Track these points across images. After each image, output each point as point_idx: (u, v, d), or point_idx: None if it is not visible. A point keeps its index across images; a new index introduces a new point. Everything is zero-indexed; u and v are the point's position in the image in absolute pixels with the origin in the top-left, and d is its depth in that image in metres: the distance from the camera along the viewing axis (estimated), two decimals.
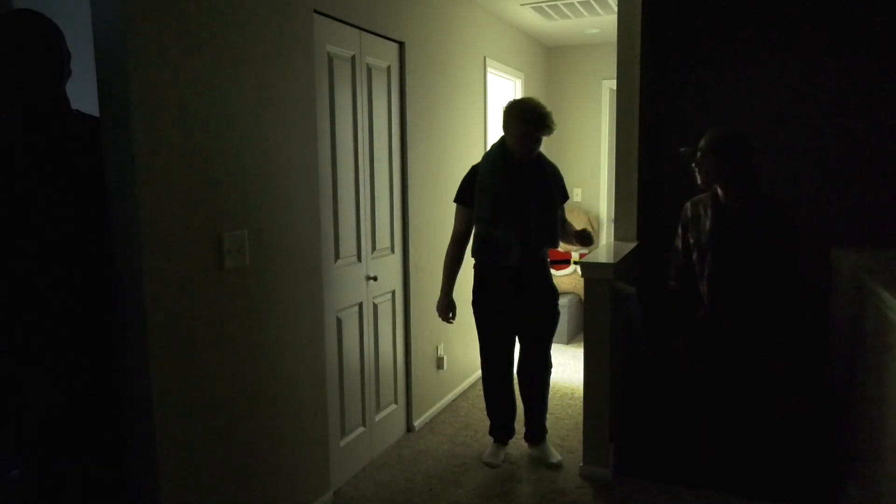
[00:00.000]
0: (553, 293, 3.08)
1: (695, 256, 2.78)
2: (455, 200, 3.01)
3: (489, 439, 3.30)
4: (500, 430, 3.19)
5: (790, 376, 2.67)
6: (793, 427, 2.70)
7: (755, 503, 2.78)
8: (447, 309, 3.10)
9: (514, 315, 3.03)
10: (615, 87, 3.60)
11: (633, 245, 3.45)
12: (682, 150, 2.75)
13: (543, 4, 4.30)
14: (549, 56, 5.82)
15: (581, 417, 3.19)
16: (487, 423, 3.62)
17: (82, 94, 1.97)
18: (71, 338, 1.81)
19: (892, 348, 2.25)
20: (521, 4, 4.30)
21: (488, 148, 3.00)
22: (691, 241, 2.80)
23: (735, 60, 3.75)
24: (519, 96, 5.07)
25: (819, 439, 2.83)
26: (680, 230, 2.87)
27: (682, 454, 3.17)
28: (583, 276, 2.97)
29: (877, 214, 3.39)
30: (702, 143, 2.69)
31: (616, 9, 3.58)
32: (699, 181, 2.73)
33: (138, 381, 1.90)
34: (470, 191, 2.92)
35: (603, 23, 4.83)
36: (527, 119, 2.79)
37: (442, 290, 3.07)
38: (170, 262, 1.95)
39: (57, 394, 1.81)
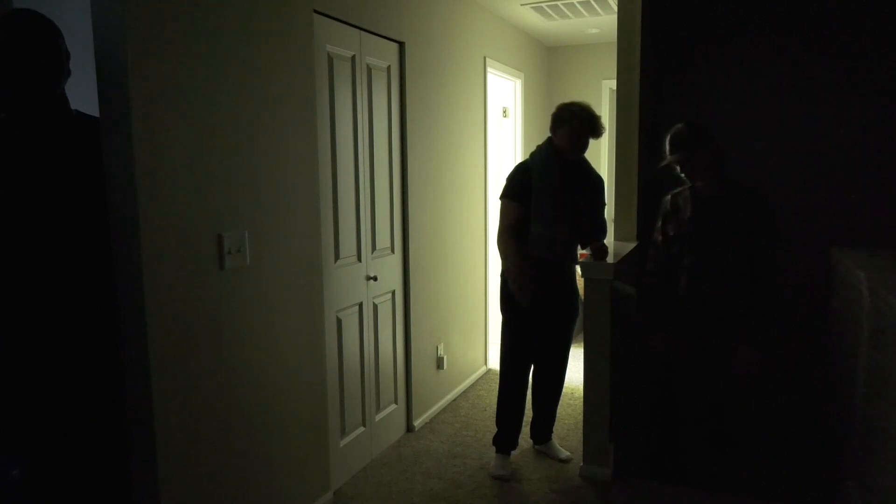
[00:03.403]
0: (577, 291, 3.16)
1: (675, 249, 2.78)
2: (507, 197, 2.98)
3: (491, 448, 3.23)
4: (508, 438, 3.13)
5: (770, 371, 2.63)
6: (792, 427, 2.69)
7: (755, 503, 2.78)
8: (526, 274, 2.92)
9: (547, 310, 3.05)
10: (615, 87, 3.59)
11: (633, 245, 3.45)
12: (660, 165, 2.74)
13: (543, 4, 4.30)
14: (549, 56, 5.82)
15: (581, 417, 3.19)
16: (487, 422, 3.63)
17: (82, 94, 1.97)
18: (71, 338, 1.81)
19: (891, 347, 2.25)
20: (521, 4, 4.30)
21: (534, 149, 3.06)
22: (671, 233, 2.80)
23: (735, 60, 3.76)
24: (519, 96, 5.08)
25: (819, 439, 2.82)
26: (659, 223, 2.88)
27: (681, 454, 3.17)
28: (583, 276, 2.98)
29: (875, 214, 3.40)
30: (670, 149, 2.68)
31: (616, 9, 3.58)
32: (691, 181, 2.73)
33: (138, 380, 1.90)
34: (523, 188, 2.95)
35: (603, 23, 4.83)
36: (581, 120, 2.93)
37: (515, 264, 2.90)
38: (170, 261, 1.95)
39: (57, 394, 1.81)
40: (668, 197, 2.87)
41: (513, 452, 3.17)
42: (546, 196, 2.91)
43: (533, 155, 3.03)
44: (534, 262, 2.95)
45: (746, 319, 2.62)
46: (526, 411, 3.25)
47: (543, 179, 2.92)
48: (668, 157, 2.70)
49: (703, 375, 2.79)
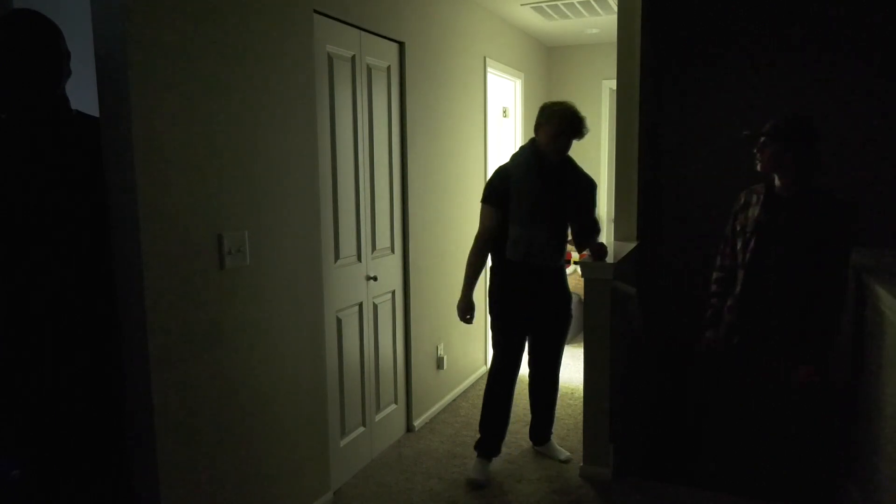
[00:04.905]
0: (569, 295, 3.09)
1: (739, 244, 2.72)
2: (484, 201, 2.95)
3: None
4: (491, 442, 3.07)
5: (813, 386, 2.57)
6: (793, 427, 2.68)
7: (755, 503, 2.78)
8: (468, 310, 2.99)
9: (534, 314, 3.00)
10: (615, 87, 3.60)
11: (633, 245, 3.45)
12: (745, 133, 2.65)
13: (543, 4, 4.30)
14: (549, 56, 5.82)
15: (581, 417, 3.19)
16: None
17: (82, 94, 1.97)
18: (71, 338, 1.81)
19: (891, 347, 2.25)
20: (521, 4, 4.30)
21: (516, 150, 2.99)
22: (738, 228, 2.73)
23: (734, 60, 3.76)
24: (519, 96, 5.08)
25: (819, 439, 2.82)
26: (731, 219, 2.80)
27: (681, 454, 3.17)
28: (583, 276, 2.97)
29: (877, 214, 3.40)
30: (766, 127, 2.58)
31: (616, 9, 3.58)
32: (758, 167, 2.63)
33: (138, 380, 1.90)
34: (501, 192, 2.89)
35: (603, 23, 4.83)
36: (561, 118, 2.85)
37: (463, 291, 2.98)
38: (170, 261, 1.95)
39: (57, 394, 1.81)
40: (744, 192, 2.77)
41: (512, 452, 3.17)
42: (524, 197, 2.84)
43: (514, 156, 2.97)
44: (516, 265, 2.90)
45: (802, 334, 2.56)
46: (524, 414, 3.25)
47: (522, 180, 2.86)
48: (748, 132, 2.61)
49: (727, 378, 2.76)
